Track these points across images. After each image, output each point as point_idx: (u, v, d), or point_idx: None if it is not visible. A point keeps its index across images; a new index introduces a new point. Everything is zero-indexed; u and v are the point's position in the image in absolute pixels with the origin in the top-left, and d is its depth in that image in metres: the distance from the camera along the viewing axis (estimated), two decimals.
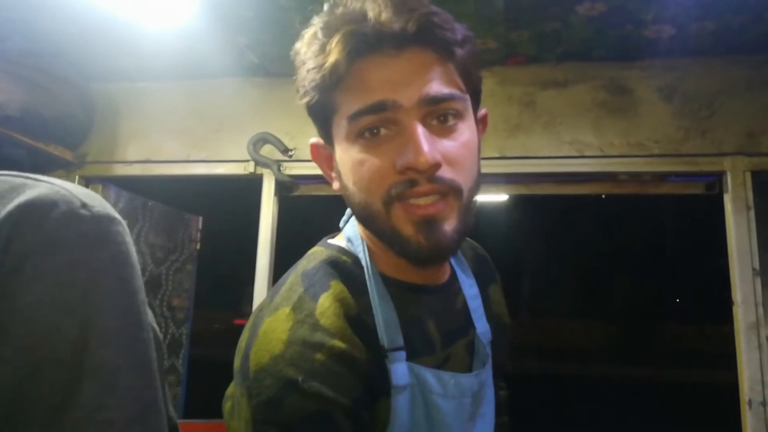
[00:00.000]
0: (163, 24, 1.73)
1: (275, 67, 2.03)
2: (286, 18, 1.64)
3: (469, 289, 0.76)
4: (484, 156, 0.74)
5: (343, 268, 0.65)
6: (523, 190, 2.15)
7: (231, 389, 0.62)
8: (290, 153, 2.04)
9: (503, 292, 0.87)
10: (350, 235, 0.69)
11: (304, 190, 2.18)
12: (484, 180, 0.66)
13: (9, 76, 1.83)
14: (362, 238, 0.67)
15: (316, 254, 0.67)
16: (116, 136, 2.20)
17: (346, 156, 0.61)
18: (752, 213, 1.79)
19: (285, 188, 2.11)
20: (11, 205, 0.41)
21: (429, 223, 0.58)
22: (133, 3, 1.63)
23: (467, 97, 0.62)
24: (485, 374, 0.72)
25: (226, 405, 0.62)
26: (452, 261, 0.76)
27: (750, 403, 1.71)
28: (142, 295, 0.47)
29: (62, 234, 0.42)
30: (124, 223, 0.47)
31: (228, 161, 2.10)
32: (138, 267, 0.47)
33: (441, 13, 0.60)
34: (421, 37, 0.58)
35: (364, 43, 0.57)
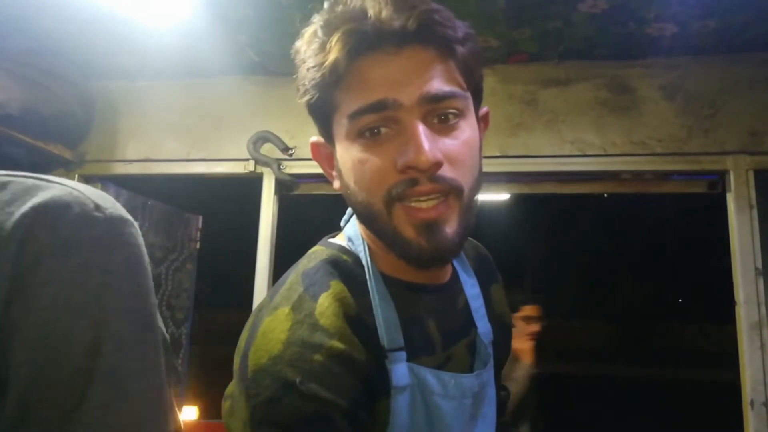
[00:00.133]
0: (163, 22, 1.73)
1: (275, 65, 2.02)
2: (286, 16, 1.64)
3: (471, 288, 0.75)
4: (486, 155, 0.73)
5: (344, 267, 0.64)
6: (525, 189, 2.14)
7: (230, 388, 0.61)
8: (290, 152, 2.03)
9: (504, 291, 0.87)
10: (351, 234, 0.69)
11: (304, 189, 2.17)
12: (485, 179, 0.65)
13: (8, 74, 1.83)
14: (363, 238, 0.67)
15: (317, 253, 0.67)
16: (116, 135, 2.19)
17: (347, 155, 0.61)
18: (755, 212, 1.78)
19: (285, 187, 2.10)
20: (25, 207, 0.41)
21: (430, 227, 0.58)
22: (132, 1, 1.62)
23: (468, 95, 0.62)
24: (487, 374, 0.72)
25: (225, 404, 0.62)
26: (454, 260, 0.76)
27: (752, 403, 1.71)
28: (153, 298, 0.47)
29: (76, 236, 0.42)
30: (136, 224, 0.48)
31: (228, 160, 2.10)
32: (149, 269, 0.48)
33: (442, 10, 0.59)
34: (421, 35, 0.57)
35: (365, 41, 0.57)
